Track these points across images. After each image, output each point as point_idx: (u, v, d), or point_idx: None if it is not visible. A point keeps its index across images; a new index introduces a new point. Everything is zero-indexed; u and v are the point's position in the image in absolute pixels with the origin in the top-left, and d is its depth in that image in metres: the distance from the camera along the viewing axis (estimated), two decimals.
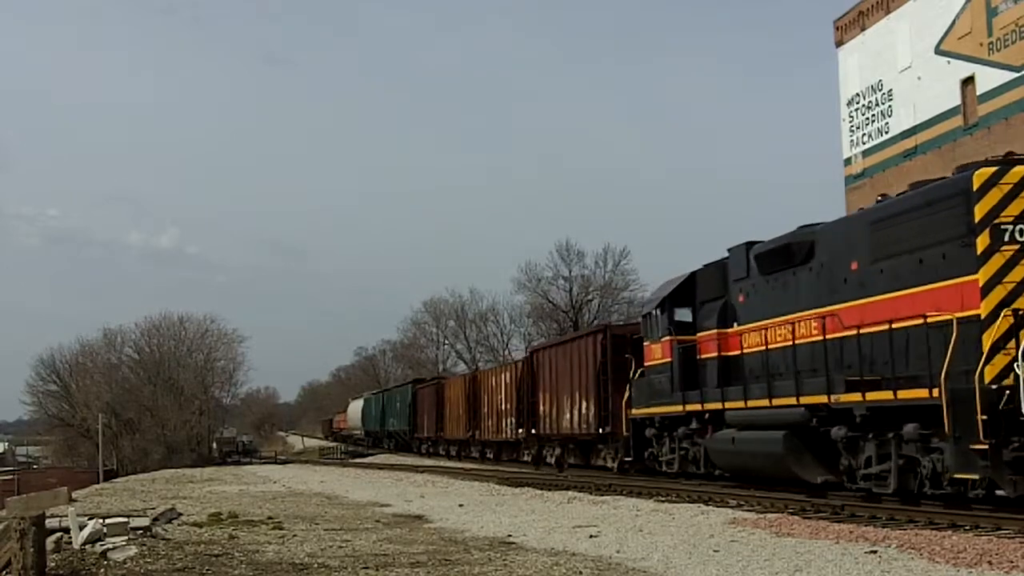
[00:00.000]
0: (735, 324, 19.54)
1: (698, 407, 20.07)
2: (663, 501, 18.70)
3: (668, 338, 21.53)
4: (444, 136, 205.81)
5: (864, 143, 43.34)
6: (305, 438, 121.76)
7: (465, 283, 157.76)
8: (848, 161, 44.56)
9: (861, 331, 15.03)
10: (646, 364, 22.97)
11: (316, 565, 11.39)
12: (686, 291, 21.40)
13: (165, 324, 79.88)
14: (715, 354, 19.83)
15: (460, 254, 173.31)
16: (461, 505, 20.15)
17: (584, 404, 28.02)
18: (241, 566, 11.46)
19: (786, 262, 17.70)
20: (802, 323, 16.85)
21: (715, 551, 11.70)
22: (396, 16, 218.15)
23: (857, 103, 43.79)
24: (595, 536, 13.69)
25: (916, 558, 10.56)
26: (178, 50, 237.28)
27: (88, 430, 69.83)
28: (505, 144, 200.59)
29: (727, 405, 18.89)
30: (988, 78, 35.34)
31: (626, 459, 24.67)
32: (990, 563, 9.97)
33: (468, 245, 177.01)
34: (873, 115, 42.68)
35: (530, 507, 19.22)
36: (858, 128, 43.79)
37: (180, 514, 18.49)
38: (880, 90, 42.08)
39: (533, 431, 33.35)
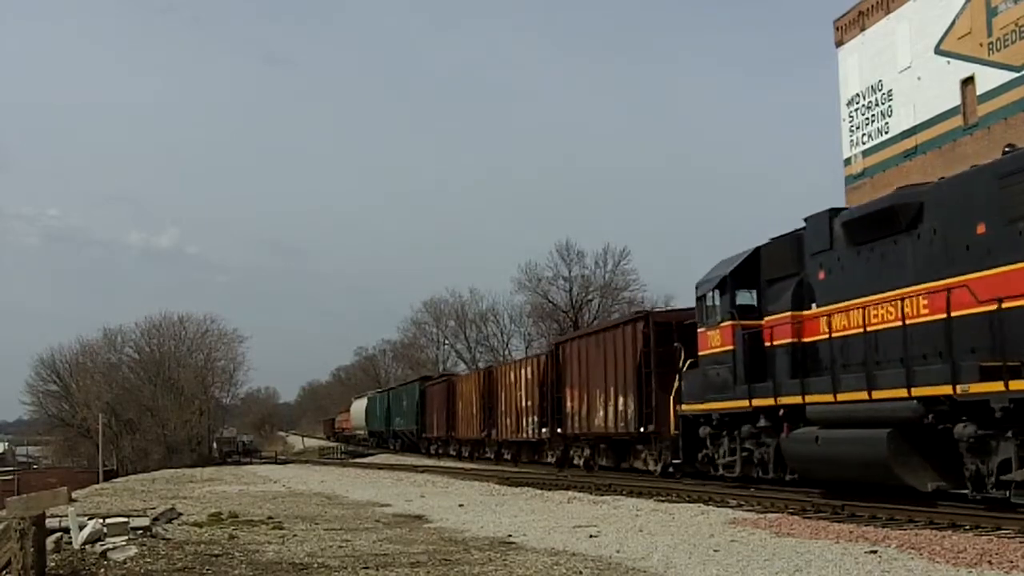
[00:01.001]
0: (813, 305, 16.97)
1: (769, 402, 17.38)
2: (663, 501, 18.70)
3: (729, 323, 18.87)
4: (444, 136, 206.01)
5: (864, 143, 43.34)
6: (305, 438, 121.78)
7: (465, 283, 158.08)
8: (848, 161, 44.57)
9: (1003, 306, 12.46)
10: (700, 354, 20.28)
11: (316, 565, 11.39)
12: (749, 269, 18.80)
13: (165, 324, 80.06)
14: (788, 340, 17.14)
15: (460, 254, 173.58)
16: (461, 505, 20.14)
17: (621, 400, 25.55)
18: (241, 566, 11.45)
19: (885, 229, 15.15)
20: (911, 300, 14.32)
21: (715, 551, 11.70)
22: (396, 16, 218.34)
23: (857, 103, 43.79)
24: (595, 536, 13.68)
25: (916, 558, 10.56)
26: (178, 50, 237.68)
27: (88, 430, 69.85)
28: (505, 144, 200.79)
29: (809, 399, 16.21)
30: (988, 78, 35.35)
31: (674, 461, 22.15)
32: (990, 563, 9.97)
33: (468, 245, 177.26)
34: (873, 115, 42.69)
35: (530, 507, 19.22)
36: (858, 128, 43.79)
37: (180, 514, 18.48)
38: (880, 90, 42.09)
39: (559, 430, 31.08)
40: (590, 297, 74.83)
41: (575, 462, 30.61)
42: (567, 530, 14.62)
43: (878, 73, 42.07)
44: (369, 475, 36.85)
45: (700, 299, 20.42)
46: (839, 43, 45.31)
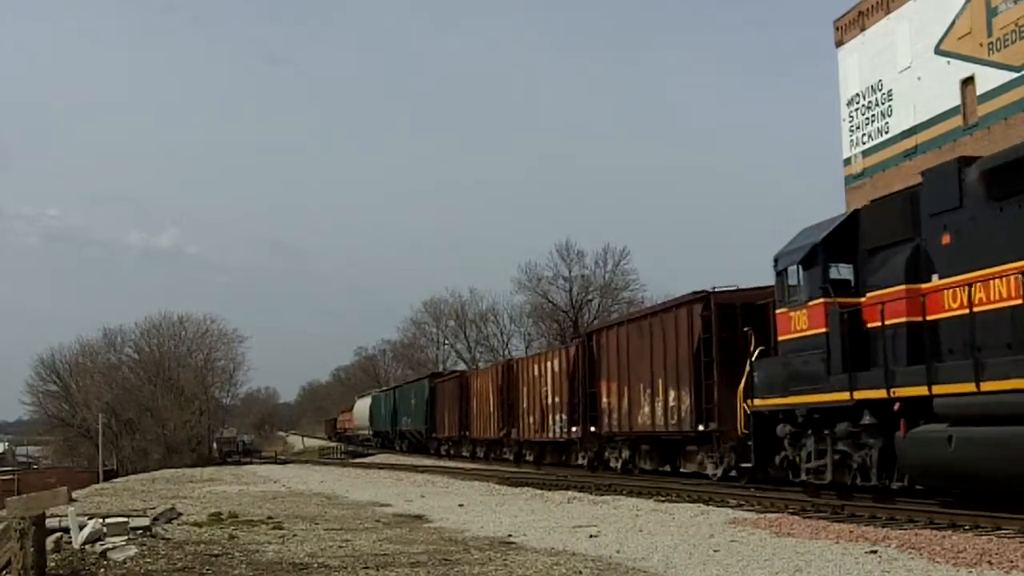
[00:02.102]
0: (934, 277, 14.19)
1: (878, 394, 14.48)
2: (663, 501, 18.71)
3: (820, 301, 15.97)
4: (444, 136, 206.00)
5: (864, 143, 43.35)
6: (305, 438, 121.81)
7: (465, 283, 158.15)
8: (848, 161, 44.57)
9: None
10: (780, 339, 17.43)
11: (316, 565, 11.39)
12: (844, 237, 16.02)
13: (165, 324, 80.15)
14: (903, 319, 14.29)
15: (460, 254, 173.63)
16: (461, 505, 20.14)
17: (672, 395, 22.61)
18: (241, 566, 11.45)
19: None
20: None
21: (715, 551, 11.70)
22: (396, 16, 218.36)
23: (857, 103, 43.80)
24: (595, 536, 13.68)
25: (916, 558, 10.56)
26: (178, 50, 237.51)
27: (88, 430, 69.87)
28: (505, 144, 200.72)
29: (938, 390, 13.35)
30: (988, 78, 35.35)
31: (742, 465, 19.48)
32: (990, 563, 9.97)
33: (468, 245, 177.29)
34: (873, 115, 42.69)
35: (530, 507, 19.22)
36: (858, 128, 43.80)
37: (180, 514, 18.48)
38: (880, 90, 42.09)
39: (592, 429, 28.15)
40: (590, 297, 74.94)
41: (611, 464, 27.64)
42: (567, 530, 14.62)
43: (878, 73, 42.07)
44: (369, 475, 36.84)
45: (780, 274, 17.43)
46: (839, 43, 45.32)
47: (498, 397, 39.00)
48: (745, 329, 19.16)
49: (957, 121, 37.15)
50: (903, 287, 14.45)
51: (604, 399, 27.13)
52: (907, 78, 40.16)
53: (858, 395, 14.95)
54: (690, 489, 19.76)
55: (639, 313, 26.51)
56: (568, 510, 18.20)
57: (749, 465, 18.87)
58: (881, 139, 42.08)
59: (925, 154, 38.71)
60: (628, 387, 25.33)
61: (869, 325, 15.21)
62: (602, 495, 20.97)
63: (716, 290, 21.39)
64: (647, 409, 24.14)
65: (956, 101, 37.16)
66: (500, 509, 18.88)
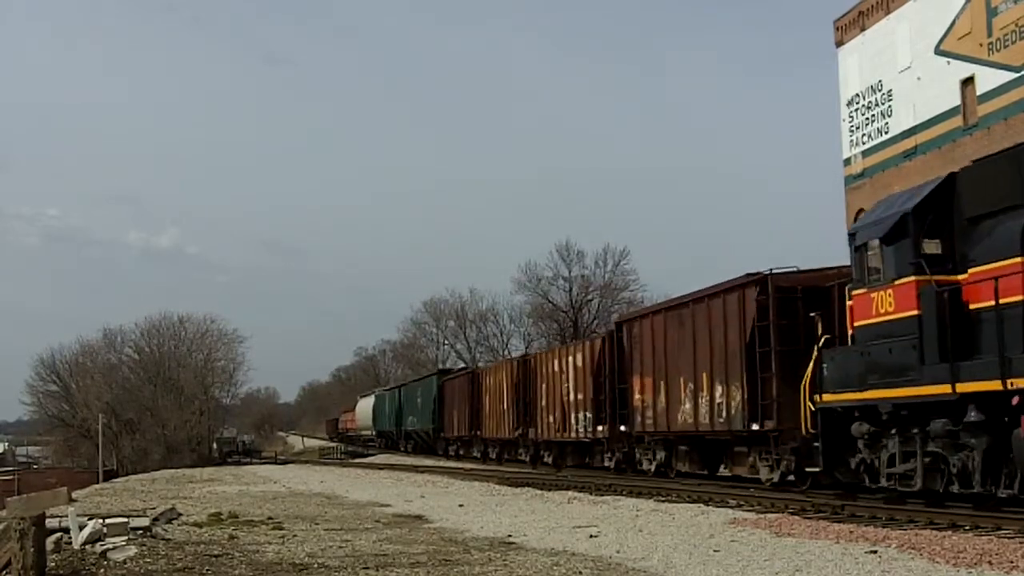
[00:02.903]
0: None
1: (990, 386, 12.51)
2: (663, 501, 18.71)
3: (911, 279, 14.01)
4: (444, 136, 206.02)
5: (864, 143, 43.35)
6: (305, 438, 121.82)
7: (465, 283, 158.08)
8: (848, 161, 44.58)
9: None
10: (858, 324, 15.35)
11: (316, 565, 11.39)
12: (939, 205, 14.15)
13: (165, 324, 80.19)
14: (1021, 297, 12.43)
15: (460, 254, 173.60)
16: (461, 505, 20.15)
17: (720, 390, 20.45)
18: (241, 566, 11.46)
19: None
20: None
21: (715, 551, 11.70)
22: (396, 16, 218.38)
23: (857, 103, 43.80)
24: (595, 536, 13.69)
25: (916, 558, 10.56)
26: (178, 50, 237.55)
27: (88, 430, 69.88)
28: (505, 144, 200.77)
29: None
30: (988, 78, 35.35)
31: (809, 469, 17.32)
32: (990, 563, 9.97)
33: (468, 245, 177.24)
34: (873, 115, 42.69)
35: (530, 507, 19.22)
36: (858, 128, 43.80)
37: (180, 514, 18.49)
38: (880, 90, 42.10)
39: (622, 428, 26.01)
40: (590, 297, 74.99)
41: (643, 467, 25.33)
42: (567, 530, 14.62)
43: (878, 73, 42.07)
44: (369, 475, 36.85)
45: (859, 250, 15.34)
46: (839, 43, 45.33)
47: (513, 394, 36.88)
48: (811, 314, 17.11)
49: (957, 121, 37.14)
50: (1020, 259, 12.47)
51: (636, 395, 24.80)
52: (907, 78, 40.16)
53: (962, 388, 12.93)
54: (690, 489, 19.76)
55: (678, 300, 23.39)
56: (568, 510, 18.20)
57: (814, 469, 16.88)
58: (881, 139, 42.08)
59: (925, 154, 38.76)
60: (665, 382, 23.06)
61: (973, 306, 13.24)
62: (602, 495, 20.97)
63: (774, 272, 19.01)
64: (688, 406, 21.86)
65: (956, 101, 37.15)
66: (500, 509, 18.88)
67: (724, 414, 20.28)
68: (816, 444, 16.32)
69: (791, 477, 18.56)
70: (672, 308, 23.60)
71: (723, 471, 23.03)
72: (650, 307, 25.63)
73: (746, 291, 19.59)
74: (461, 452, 47.00)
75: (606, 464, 28.18)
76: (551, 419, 32.39)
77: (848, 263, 16.00)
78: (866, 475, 15.47)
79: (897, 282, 14.36)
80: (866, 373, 14.90)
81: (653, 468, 24.56)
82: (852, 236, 15.74)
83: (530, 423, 34.94)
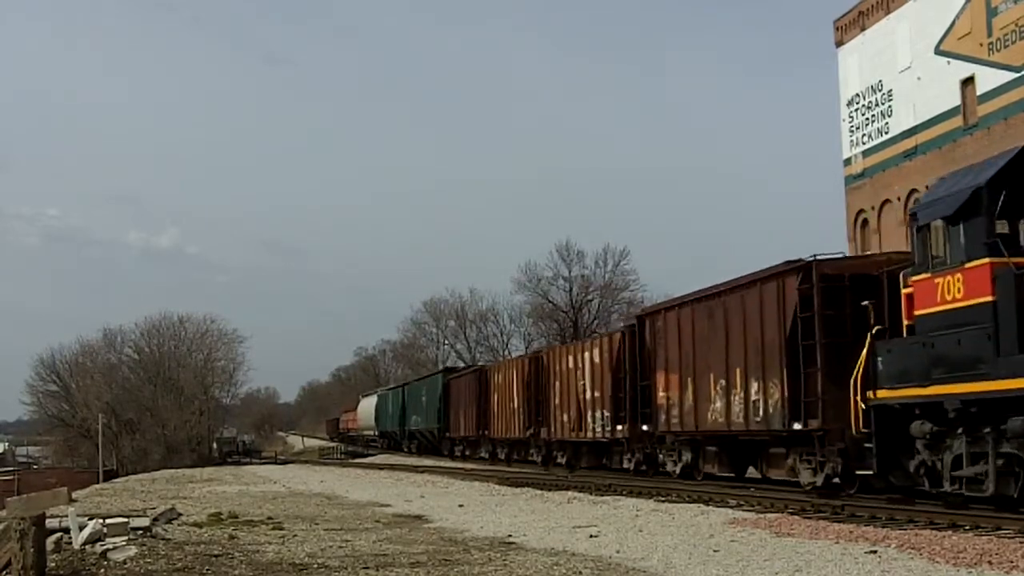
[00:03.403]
0: None
1: None
2: (663, 501, 18.70)
3: (986, 261, 12.80)
4: (444, 136, 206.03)
5: (864, 143, 43.37)
6: (305, 438, 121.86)
7: (465, 283, 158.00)
8: (848, 161, 44.61)
9: None
10: (919, 313, 14.11)
11: (316, 565, 11.40)
12: (1016, 178, 12.99)
13: (165, 324, 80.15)
14: None
15: (460, 254, 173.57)
16: (461, 505, 20.15)
17: (756, 386, 19.11)
18: (241, 566, 11.46)
19: None
20: None
21: (715, 551, 11.71)
22: (396, 16, 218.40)
23: (857, 103, 43.82)
24: (595, 536, 13.69)
25: (916, 558, 10.57)
26: (178, 49, 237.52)
27: (88, 430, 69.88)
28: (505, 144, 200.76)
29: None
30: (988, 78, 35.37)
31: (860, 472, 16.10)
32: (990, 563, 9.98)
33: (468, 245, 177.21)
34: (873, 115, 42.71)
35: (530, 507, 19.22)
36: (858, 128, 43.82)
37: (180, 514, 18.50)
38: (880, 90, 42.11)
39: (644, 427, 24.57)
40: (590, 297, 74.99)
41: (666, 469, 23.96)
42: (567, 530, 14.63)
43: (878, 73, 42.10)
44: (369, 475, 36.85)
45: (921, 231, 14.08)
46: (839, 43, 45.35)
47: (524, 393, 35.38)
48: (863, 303, 15.77)
49: (957, 121, 37.16)
50: None
51: (660, 393, 23.34)
52: (907, 78, 40.18)
53: None
54: (690, 489, 19.75)
55: (708, 291, 21.68)
56: (568, 510, 18.20)
57: (865, 472, 15.67)
58: (881, 139, 42.10)
59: (925, 154, 38.78)
60: (693, 378, 21.64)
61: None
62: (602, 495, 20.97)
63: (819, 258, 17.63)
64: (719, 404, 20.46)
65: (956, 101, 37.17)
66: (500, 509, 18.89)
67: (761, 413, 18.90)
68: (868, 445, 15.03)
69: (836, 480, 17.05)
70: (701, 300, 21.81)
71: (753, 473, 21.71)
72: (676, 299, 23.42)
73: (786, 279, 18.11)
74: (467, 452, 45.71)
75: (625, 466, 26.69)
76: (565, 418, 31.05)
77: (897, 249, 15.11)
78: (926, 479, 14.27)
79: (968, 265, 13.04)
80: (929, 367, 13.67)
81: (678, 470, 23.11)
82: (913, 217, 14.55)
83: (542, 422, 33.56)
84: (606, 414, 27.40)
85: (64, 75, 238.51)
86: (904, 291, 14.67)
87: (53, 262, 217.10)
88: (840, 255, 18.22)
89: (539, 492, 22.84)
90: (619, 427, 26.45)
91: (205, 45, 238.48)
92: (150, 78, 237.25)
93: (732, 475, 21.64)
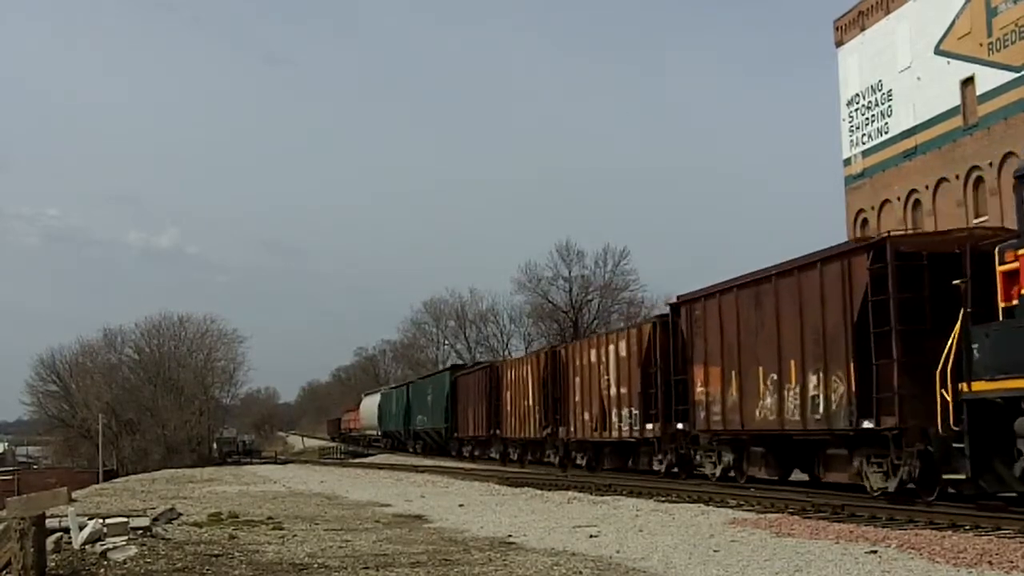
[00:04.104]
0: None
1: None
2: (663, 501, 18.69)
3: None
4: (444, 136, 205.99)
5: (864, 143, 43.39)
6: (305, 438, 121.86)
7: (465, 283, 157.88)
8: (848, 161, 44.62)
9: None
10: None
11: (316, 565, 11.40)
12: None
13: (165, 324, 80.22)
14: None
15: (460, 254, 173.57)
16: (461, 505, 20.14)
17: (815, 380, 17.15)
18: (241, 566, 11.47)
19: None
20: None
21: (715, 551, 11.70)
22: (396, 16, 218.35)
23: (857, 103, 43.84)
24: (595, 536, 13.69)
25: (916, 558, 10.56)
26: (178, 49, 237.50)
27: (88, 430, 69.92)
28: (505, 144, 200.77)
29: None
30: (988, 78, 35.38)
31: (949, 476, 14.30)
32: (990, 563, 9.97)
33: (468, 245, 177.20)
34: (873, 115, 42.72)
35: (530, 507, 19.22)
36: (858, 128, 43.84)
37: (180, 514, 18.50)
38: (880, 90, 42.13)
39: (679, 426, 22.73)
40: (590, 297, 75.06)
41: (705, 471, 22.08)
42: (567, 530, 14.62)
43: (878, 73, 42.11)
44: (369, 475, 36.84)
45: None
46: (839, 43, 45.37)
47: (540, 390, 33.33)
48: (956, 282, 13.74)
49: (957, 121, 37.17)
50: None
51: (698, 388, 21.51)
52: (907, 78, 40.20)
53: None
54: (690, 489, 19.74)
55: (756, 275, 19.60)
56: (568, 510, 18.19)
57: (955, 477, 13.99)
58: (881, 139, 42.12)
59: (925, 154, 38.80)
60: (738, 372, 19.72)
61: None
62: (602, 495, 20.96)
63: (894, 234, 15.94)
64: (770, 400, 18.51)
65: (956, 101, 37.19)
66: (500, 509, 18.88)
67: (821, 410, 16.96)
68: (958, 445, 13.26)
69: (911, 486, 15.27)
70: (747, 285, 19.74)
71: (799, 476, 19.85)
72: (717, 285, 21.28)
73: (852, 259, 16.29)
74: (477, 453, 43.86)
75: (655, 468, 24.69)
76: (587, 417, 28.93)
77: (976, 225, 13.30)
78: None
79: None
80: None
81: (718, 472, 21.29)
82: (1019, 179, 12.64)
83: (560, 421, 31.63)
84: (634, 412, 25.46)
85: (64, 75, 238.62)
86: (1001, 268, 12.81)
87: (53, 262, 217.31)
88: (913, 231, 16.48)
89: (539, 492, 22.83)
90: (648, 426, 24.55)
91: (205, 45, 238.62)
92: (150, 78, 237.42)
93: (776, 479, 19.91)
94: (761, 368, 18.85)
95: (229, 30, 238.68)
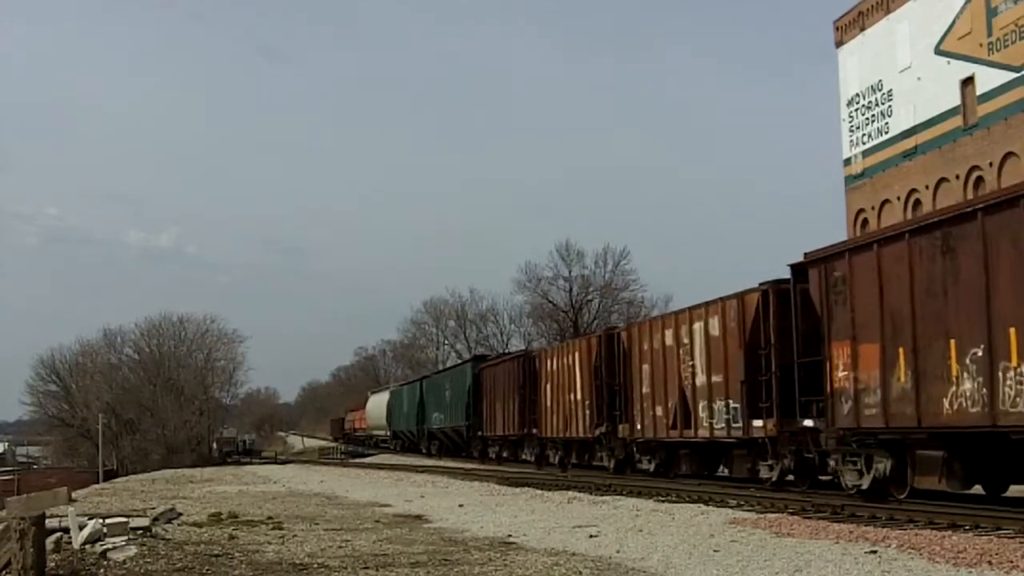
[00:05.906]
0: None
1: None
2: (663, 501, 18.69)
3: None
4: (444, 135, 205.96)
5: (864, 143, 43.38)
6: (305, 438, 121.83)
7: (465, 283, 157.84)
8: (848, 161, 44.61)
9: None
10: None
11: (316, 565, 11.40)
12: None
13: (165, 324, 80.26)
14: None
15: (460, 254, 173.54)
16: (461, 505, 20.14)
17: None
18: (241, 566, 11.47)
19: None
20: None
21: (715, 551, 11.70)
22: (396, 15, 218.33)
23: (857, 103, 43.83)
24: (595, 536, 13.69)
25: (916, 558, 10.56)
26: (177, 47, 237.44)
27: (88, 430, 69.94)
28: (505, 144, 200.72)
29: None
30: (988, 78, 35.38)
31: None
32: (990, 563, 9.97)
33: (468, 245, 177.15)
34: (873, 115, 42.72)
35: (530, 507, 19.22)
36: (858, 128, 43.84)
37: (180, 514, 18.50)
38: (880, 90, 42.12)
39: (809, 422, 17.33)
40: (590, 297, 75.05)
41: (845, 481, 16.54)
42: (567, 530, 14.62)
43: (878, 73, 42.11)
44: (369, 475, 36.85)
45: None
46: (839, 43, 45.37)
47: (591, 382, 28.24)
48: None
49: (957, 121, 37.16)
50: None
51: (840, 373, 16.30)
52: (907, 78, 40.19)
53: None
54: (690, 489, 19.72)
55: (937, 215, 15.37)
56: (568, 510, 18.20)
57: None
58: (881, 139, 42.11)
59: (925, 154, 38.79)
60: (913, 348, 14.52)
61: None
62: (602, 495, 20.95)
63: None
64: (969, 385, 13.36)
65: (956, 101, 37.19)
66: (500, 509, 18.88)
67: None
68: None
69: None
70: (928, 228, 14.60)
71: (977, 490, 14.95)
72: (873, 233, 16.76)
73: None
74: (505, 455, 38.64)
75: (763, 475, 19.62)
76: (659, 412, 23.84)
77: None
78: None
79: None
80: None
81: (865, 484, 15.91)
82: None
83: (618, 418, 26.49)
84: (732, 405, 20.35)
85: (64, 75, 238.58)
86: None
87: (53, 262, 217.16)
88: None
89: (539, 492, 22.83)
90: (757, 423, 19.26)
91: (204, 42, 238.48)
92: (149, 77, 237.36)
93: (963, 493, 14.76)
94: (952, 341, 13.85)
95: (228, 27, 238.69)
